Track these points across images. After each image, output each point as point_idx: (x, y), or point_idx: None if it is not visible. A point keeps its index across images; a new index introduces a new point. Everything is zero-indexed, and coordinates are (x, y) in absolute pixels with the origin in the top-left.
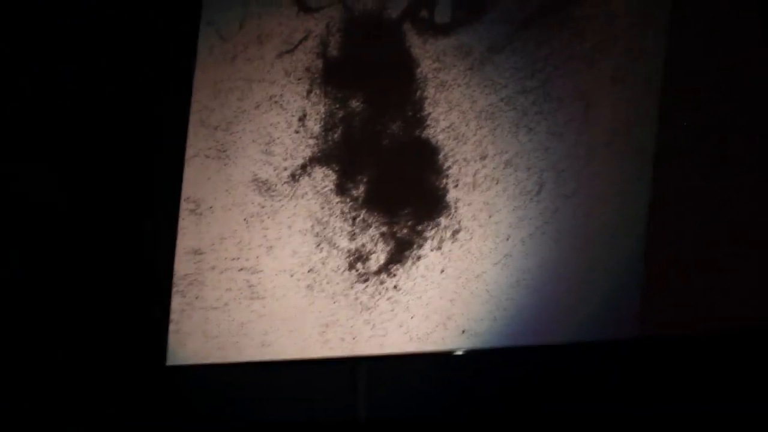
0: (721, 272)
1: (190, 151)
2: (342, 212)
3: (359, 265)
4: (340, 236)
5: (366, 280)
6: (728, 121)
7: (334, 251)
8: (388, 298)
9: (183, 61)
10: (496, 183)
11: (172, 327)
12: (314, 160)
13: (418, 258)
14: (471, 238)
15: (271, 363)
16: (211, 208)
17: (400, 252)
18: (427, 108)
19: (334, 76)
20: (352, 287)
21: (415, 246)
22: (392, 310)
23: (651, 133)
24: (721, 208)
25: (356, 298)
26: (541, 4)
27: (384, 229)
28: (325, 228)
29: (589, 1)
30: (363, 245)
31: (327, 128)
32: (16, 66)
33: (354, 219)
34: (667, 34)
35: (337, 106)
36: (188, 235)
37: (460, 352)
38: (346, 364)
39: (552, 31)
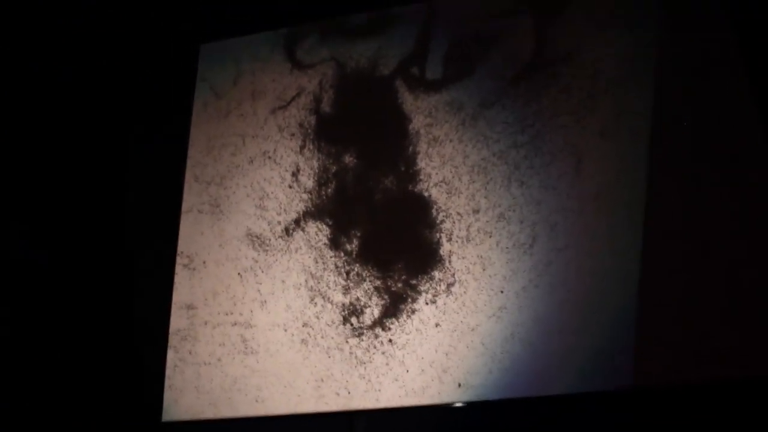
0: (714, 323)
1: (184, 206)
2: (336, 266)
3: (354, 320)
4: (334, 290)
5: (360, 335)
6: (716, 173)
7: (329, 305)
8: (383, 352)
9: (178, 116)
10: (490, 236)
11: (166, 383)
12: (308, 215)
13: (413, 312)
14: (465, 292)
15: (265, 418)
16: (204, 262)
17: (395, 306)
18: (420, 163)
19: (327, 132)
20: (346, 341)
21: (409, 300)
22: (387, 364)
23: (641, 186)
24: (713, 260)
25: (351, 353)
26: (530, 61)
27: (378, 283)
28: (319, 282)
29: (575, 59)
30: (357, 299)
31: (320, 183)
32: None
33: (348, 273)
34: (652, 91)
35: (330, 161)
36: (181, 289)
37: (457, 405)
38: (344, 419)
39: (540, 87)
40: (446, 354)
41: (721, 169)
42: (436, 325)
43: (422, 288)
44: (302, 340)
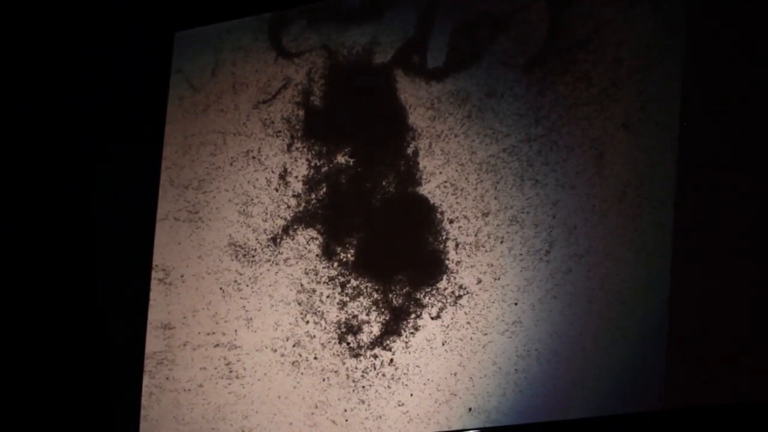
0: (750, 339)
1: (158, 213)
2: (329, 279)
3: (350, 338)
4: (328, 306)
5: (358, 355)
6: (754, 170)
7: (322, 323)
8: (384, 374)
9: (151, 112)
10: (501, 242)
11: (141, 412)
12: (297, 221)
13: (416, 328)
14: (475, 305)
15: None
16: (182, 276)
17: (396, 322)
18: (422, 161)
19: (318, 128)
20: (343, 363)
21: (412, 315)
22: (389, 388)
23: (670, 184)
24: (750, 266)
25: (348, 376)
26: (544, 46)
27: (377, 296)
28: (311, 297)
29: (593, 43)
30: (354, 315)
31: (311, 186)
32: None
33: (343, 286)
34: (681, 78)
35: (322, 161)
36: (157, 307)
37: None
38: None
39: (556, 75)
40: (455, 375)
41: (758, 166)
42: (443, 343)
43: (426, 301)
44: (293, 363)
